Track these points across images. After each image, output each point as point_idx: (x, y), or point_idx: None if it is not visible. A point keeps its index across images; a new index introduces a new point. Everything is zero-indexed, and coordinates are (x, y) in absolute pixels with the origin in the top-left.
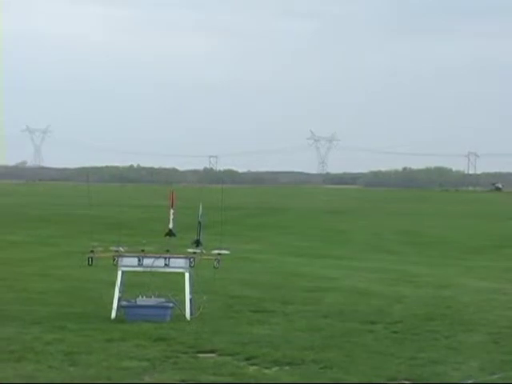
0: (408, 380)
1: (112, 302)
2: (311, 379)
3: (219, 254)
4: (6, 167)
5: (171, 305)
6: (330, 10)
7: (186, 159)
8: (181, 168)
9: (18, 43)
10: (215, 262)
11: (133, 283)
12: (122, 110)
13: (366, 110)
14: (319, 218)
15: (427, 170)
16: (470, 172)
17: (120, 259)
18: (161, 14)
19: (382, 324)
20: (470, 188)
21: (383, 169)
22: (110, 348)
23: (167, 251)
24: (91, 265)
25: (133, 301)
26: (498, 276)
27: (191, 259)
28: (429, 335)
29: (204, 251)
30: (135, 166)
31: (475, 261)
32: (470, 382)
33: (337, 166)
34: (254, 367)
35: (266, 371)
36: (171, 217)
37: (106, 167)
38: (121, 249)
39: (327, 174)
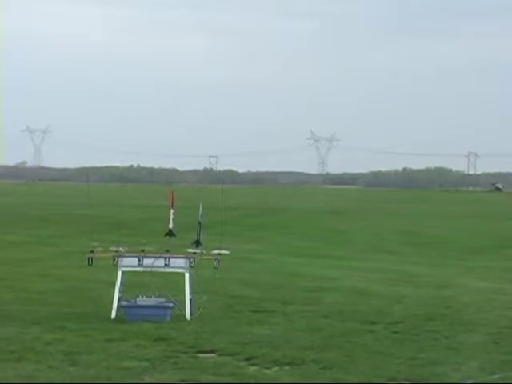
0: (408, 380)
1: (112, 302)
2: (311, 379)
3: (219, 254)
4: (5, 167)
5: (171, 305)
6: (329, 9)
7: (186, 159)
8: (181, 168)
9: (18, 43)
10: (215, 262)
11: (133, 283)
12: (121, 110)
13: (366, 110)
14: (319, 218)
15: (427, 170)
16: (470, 172)
17: (120, 259)
18: (161, 14)
19: (382, 324)
20: (470, 188)
21: (383, 169)
22: (110, 348)
23: (167, 251)
24: (91, 265)
25: (133, 301)
26: (498, 276)
27: (191, 259)
28: (429, 335)
29: (204, 251)
30: (135, 166)
31: (475, 261)
32: (469, 382)
33: (337, 166)
34: (254, 367)
35: (266, 371)
36: (171, 217)
37: (106, 167)
38: (121, 249)
39: (327, 174)
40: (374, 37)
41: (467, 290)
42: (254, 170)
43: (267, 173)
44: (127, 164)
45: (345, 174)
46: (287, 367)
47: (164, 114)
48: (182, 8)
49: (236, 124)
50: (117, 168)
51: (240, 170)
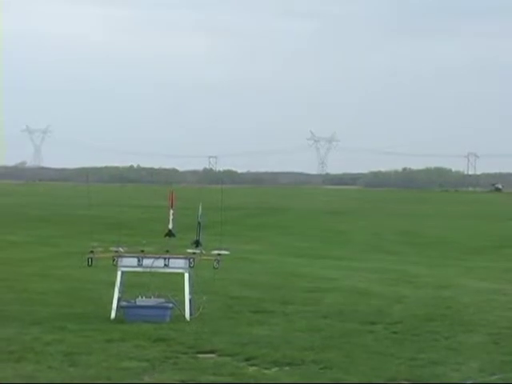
0: (408, 380)
1: (112, 303)
2: (311, 379)
3: (219, 255)
4: (5, 167)
5: (171, 305)
6: (329, 9)
7: (186, 159)
8: (181, 168)
9: (18, 43)
10: (215, 263)
11: (132, 283)
12: (121, 110)
13: (366, 109)
14: (319, 219)
15: (427, 171)
16: (470, 172)
17: (120, 259)
18: (161, 14)
19: (382, 324)
20: (470, 188)
21: (383, 169)
22: (110, 348)
23: (167, 251)
24: (91, 265)
25: (132, 301)
26: (498, 276)
27: (191, 259)
28: (429, 336)
29: (204, 251)
30: (135, 166)
31: (475, 261)
32: (469, 382)
33: (337, 166)
34: (254, 368)
35: (266, 372)
36: (171, 217)
37: (106, 167)
38: (120, 249)
39: (327, 174)
40: (373, 37)
41: (467, 290)
42: (253, 170)
43: (267, 173)
44: (127, 164)
45: (345, 174)
46: (287, 367)
47: (164, 114)
48: (181, 8)
49: (236, 124)
50: (116, 168)
51: (240, 170)
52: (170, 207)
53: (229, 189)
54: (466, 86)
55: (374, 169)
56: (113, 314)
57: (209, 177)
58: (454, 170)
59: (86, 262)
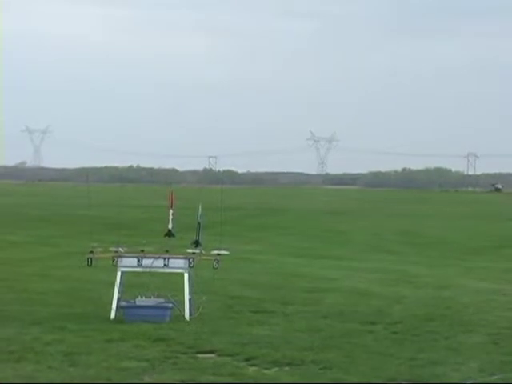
0: (408, 381)
1: (111, 303)
2: (311, 380)
3: (219, 255)
4: (5, 167)
5: (170, 305)
6: (329, 9)
7: (186, 159)
8: (180, 168)
9: (18, 43)
10: (214, 263)
11: (132, 284)
12: (122, 110)
13: (366, 110)
14: (319, 219)
15: (427, 171)
16: (470, 173)
17: (119, 260)
18: (161, 14)
19: (382, 324)
20: (470, 189)
21: (383, 169)
22: (110, 348)
23: (167, 251)
24: (91, 265)
25: (132, 301)
26: (498, 277)
27: (190, 260)
28: (428, 336)
29: (203, 252)
30: (135, 166)
31: (475, 261)
32: (469, 382)
33: (336, 166)
34: (254, 368)
35: (266, 372)
36: (171, 217)
37: (106, 167)
38: (120, 249)
39: (327, 174)
40: (373, 37)
41: (467, 290)
42: (253, 170)
43: (267, 173)
44: (127, 164)
45: (344, 174)
46: (287, 368)
47: (164, 114)
48: (182, 8)
49: (236, 124)
50: (116, 168)
51: (240, 171)
52: (170, 207)
53: (229, 189)
54: (466, 86)
55: (374, 169)
56: (112, 314)
57: (209, 177)
58: (453, 170)
59: (86, 262)
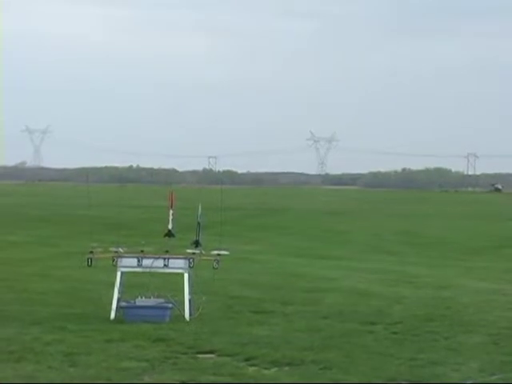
0: (408, 381)
1: (111, 303)
2: (311, 380)
3: (218, 255)
4: (5, 167)
5: (170, 305)
6: (329, 9)
7: (186, 160)
8: (180, 169)
9: (18, 43)
10: (214, 263)
11: (132, 284)
12: (122, 110)
13: (366, 110)
14: (319, 219)
15: (427, 171)
16: (470, 173)
17: (119, 260)
18: (161, 14)
19: (382, 325)
20: (470, 189)
21: (383, 169)
22: (110, 349)
23: (166, 252)
24: (91, 265)
25: (132, 301)
26: (498, 277)
27: (190, 260)
28: (428, 336)
29: (203, 252)
30: (135, 166)
31: (475, 262)
32: (469, 382)
33: (336, 166)
34: (254, 368)
35: (266, 372)
36: (170, 217)
37: (106, 168)
38: (120, 249)
39: (327, 174)
40: (373, 37)
41: (467, 290)
42: (253, 170)
43: (267, 173)
44: (127, 164)
45: (344, 174)
46: (287, 368)
47: (164, 114)
48: (182, 8)
49: (236, 124)
50: (116, 168)
51: (239, 171)
52: (170, 207)
53: (228, 189)
54: (465, 86)
55: (374, 169)
56: (112, 315)
57: (208, 177)
58: (453, 170)
59: (86, 263)
